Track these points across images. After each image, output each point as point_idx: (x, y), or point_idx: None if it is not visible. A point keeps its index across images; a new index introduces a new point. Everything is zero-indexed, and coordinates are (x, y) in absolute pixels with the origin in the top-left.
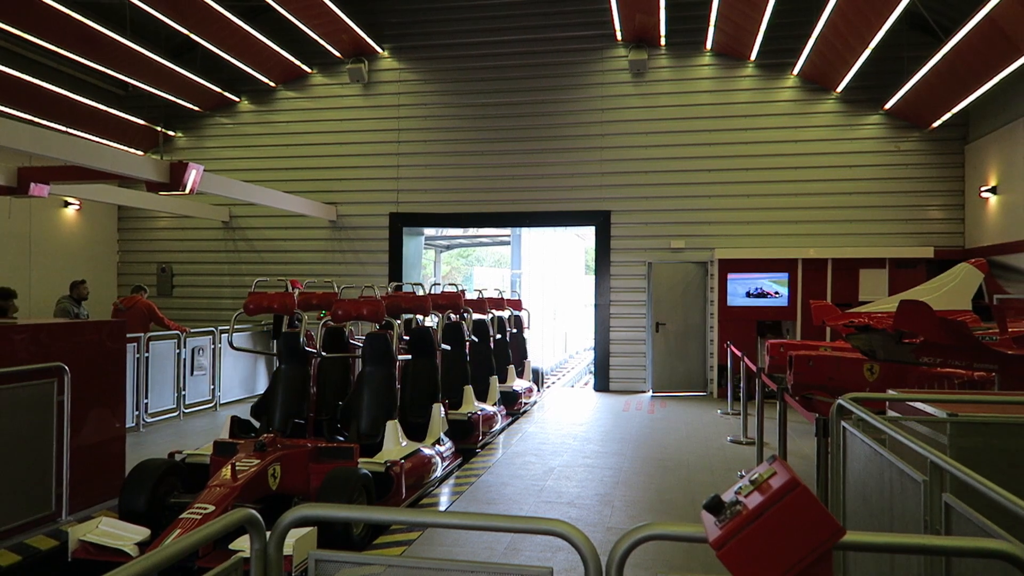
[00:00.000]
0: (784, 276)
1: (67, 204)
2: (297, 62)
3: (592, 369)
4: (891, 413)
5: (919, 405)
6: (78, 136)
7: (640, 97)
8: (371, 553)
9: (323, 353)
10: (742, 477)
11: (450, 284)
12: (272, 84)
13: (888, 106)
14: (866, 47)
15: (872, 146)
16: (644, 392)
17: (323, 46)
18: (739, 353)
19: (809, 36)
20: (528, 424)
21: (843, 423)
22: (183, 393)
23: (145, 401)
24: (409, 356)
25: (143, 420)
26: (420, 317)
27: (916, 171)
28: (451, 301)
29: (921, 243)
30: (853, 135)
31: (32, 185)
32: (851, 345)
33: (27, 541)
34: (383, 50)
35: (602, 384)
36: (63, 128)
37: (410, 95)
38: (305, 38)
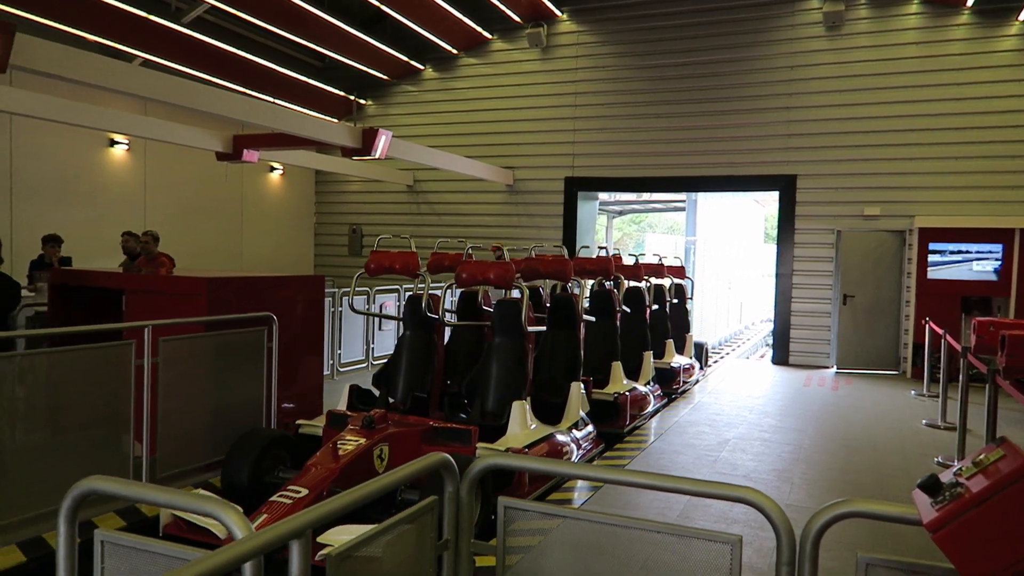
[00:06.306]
0: (997, 248)
1: (272, 169)
2: (478, 28)
3: (769, 341)
4: None
5: None
6: (283, 106)
7: (834, 52)
8: (553, 505)
9: (446, 320)
10: (941, 465)
11: (616, 249)
12: (454, 51)
13: None
14: None
15: None
16: (827, 368)
17: (503, 11)
18: (940, 331)
19: None
20: (685, 407)
21: None
22: (372, 346)
23: (339, 352)
24: (543, 328)
25: (337, 370)
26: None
27: None
28: (600, 267)
29: None
30: None
31: (245, 151)
32: None
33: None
34: (562, 13)
35: (781, 357)
36: (269, 99)
37: (587, 58)
38: (486, 4)
